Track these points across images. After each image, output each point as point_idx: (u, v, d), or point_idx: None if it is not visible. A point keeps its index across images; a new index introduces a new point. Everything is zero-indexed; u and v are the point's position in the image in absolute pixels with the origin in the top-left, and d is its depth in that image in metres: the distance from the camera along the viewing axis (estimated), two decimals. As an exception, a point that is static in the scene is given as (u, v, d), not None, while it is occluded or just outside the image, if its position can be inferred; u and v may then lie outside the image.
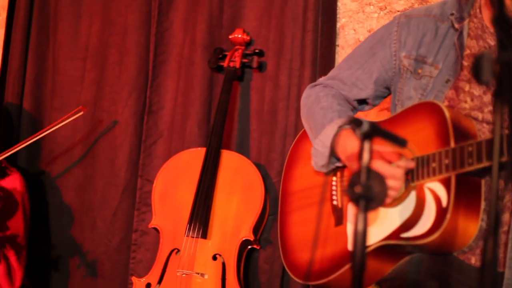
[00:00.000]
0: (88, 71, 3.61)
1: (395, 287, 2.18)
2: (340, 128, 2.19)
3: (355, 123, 2.11)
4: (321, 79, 2.53)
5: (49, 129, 3.23)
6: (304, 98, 2.51)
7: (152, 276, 3.16)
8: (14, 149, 3.16)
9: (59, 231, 3.57)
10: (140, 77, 3.56)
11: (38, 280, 3.46)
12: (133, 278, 3.19)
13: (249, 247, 3.23)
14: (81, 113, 3.20)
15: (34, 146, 3.56)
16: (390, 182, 1.99)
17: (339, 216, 2.31)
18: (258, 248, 3.25)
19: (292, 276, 2.46)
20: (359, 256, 1.56)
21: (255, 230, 3.19)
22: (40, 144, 3.64)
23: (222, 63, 3.43)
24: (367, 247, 1.56)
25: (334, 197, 2.35)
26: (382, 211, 2.13)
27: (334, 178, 2.37)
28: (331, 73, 2.53)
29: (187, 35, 3.52)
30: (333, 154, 2.26)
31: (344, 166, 2.32)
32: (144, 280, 3.15)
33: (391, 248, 2.12)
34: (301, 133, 2.76)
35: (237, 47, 3.45)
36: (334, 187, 2.36)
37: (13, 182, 3.27)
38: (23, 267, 3.19)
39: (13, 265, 3.12)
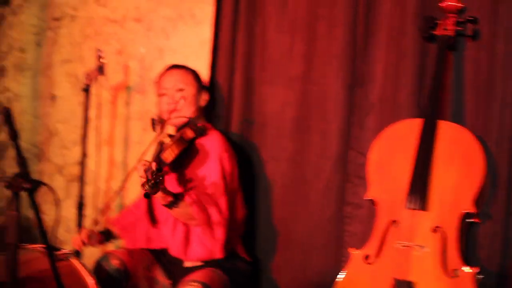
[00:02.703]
0: (296, 44, 3.60)
1: None
2: None
3: None
4: None
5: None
6: None
7: (370, 248, 3.11)
8: None
9: (266, 204, 3.59)
10: (349, 49, 3.51)
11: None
12: (351, 250, 3.16)
13: (469, 220, 3.11)
14: None
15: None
16: None
17: None
18: (478, 222, 3.14)
19: None
20: None
21: (476, 203, 3.07)
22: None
23: (434, 32, 3.33)
24: None
25: None
26: None
27: None
28: None
29: (397, 5, 3.43)
30: None
31: None
32: (362, 252, 3.12)
33: None
34: None
35: (449, 15, 3.33)
36: None
37: (211, 140, 3.29)
38: (225, 219, 3.14)
39: (212, 218, 3.10)
